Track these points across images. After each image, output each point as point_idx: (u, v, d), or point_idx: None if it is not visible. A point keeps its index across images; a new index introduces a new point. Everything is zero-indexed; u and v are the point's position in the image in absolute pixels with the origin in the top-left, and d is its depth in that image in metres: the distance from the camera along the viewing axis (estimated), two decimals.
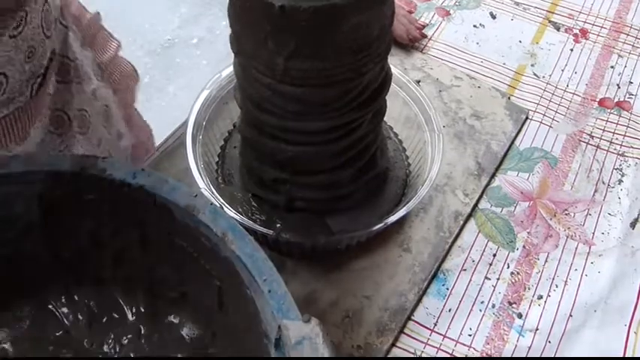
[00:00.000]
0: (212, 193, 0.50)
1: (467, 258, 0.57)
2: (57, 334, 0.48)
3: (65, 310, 0.50)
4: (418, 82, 0.69)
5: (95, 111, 0.61)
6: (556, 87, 0.71)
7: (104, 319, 0.50)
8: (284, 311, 0.35)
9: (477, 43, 0.75)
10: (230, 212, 0.48)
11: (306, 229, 0.51)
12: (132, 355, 0.47)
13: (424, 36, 0.73)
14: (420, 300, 0.54)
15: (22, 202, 0.43)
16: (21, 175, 0.41)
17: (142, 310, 0.50)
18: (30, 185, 0.42)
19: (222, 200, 0.50)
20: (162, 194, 0.40)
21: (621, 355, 0.51)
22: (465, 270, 0.56)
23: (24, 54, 0.47)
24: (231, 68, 0.57)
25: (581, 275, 0.56)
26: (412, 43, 0.72)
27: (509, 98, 0.69)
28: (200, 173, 0.51)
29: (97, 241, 0.46)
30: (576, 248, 0.58)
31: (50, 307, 0.49)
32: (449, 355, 0.51)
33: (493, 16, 0.78)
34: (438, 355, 0.51)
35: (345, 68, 0.39)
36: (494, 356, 0.51)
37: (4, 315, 0.48)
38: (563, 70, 0.73)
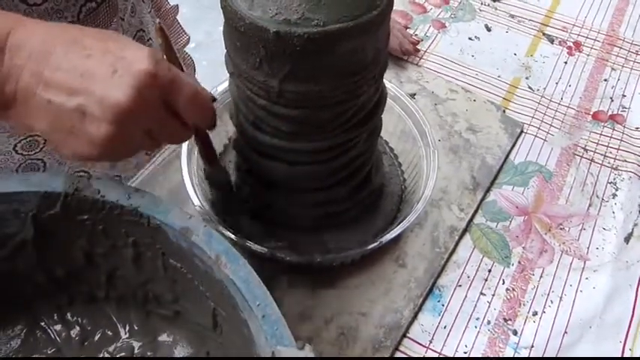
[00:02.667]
0: (206, 210, 0.49)
1: (462, 274, 0.57)
2: (49, 351, 0.48)
3: (58, 327, 0.49)
4: (413, 95, 0.69)
5: None
6: (550, 100, 0.71)
7: (97, 337, 0.50)
8: (278, 337, 0.35)
9: (473, 56, 0.75)
10: (224, 230, 0.47)
11: (302, 246, 0.51)
12: None
13: (417, 51, 0.73)
14: (415, 316, 0.54)
15: (16, 221, 0.42)
16: (14, 195, 0.41)
17: (136, 327, 0.50)
18: (23, 205, 0.41)
19: (216, 218, 0.49)
20: (156, 216, 0.40)
21: None
22: (460, 286, 0.56)
23: None
24: (227, 83, 0.57)
25: (576, 291, 0.56)
26: (405, 56, 0.72)
27: (504, 111, 0.69)
28: (195, 189, 0.51)
29: (90, 260, 0.46)
30: (571, 263, 0.58)
31: (43, 324, 0.49)
32: None
33: (488, 29, 0.79)
34: None
35: (340, 91, 0.39)
36: (494, 357, 0.51)
37: None
38: (557, 83, 0.73)
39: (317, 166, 0.45)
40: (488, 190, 0.62)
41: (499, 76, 0.73)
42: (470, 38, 0.77)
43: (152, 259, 0.44)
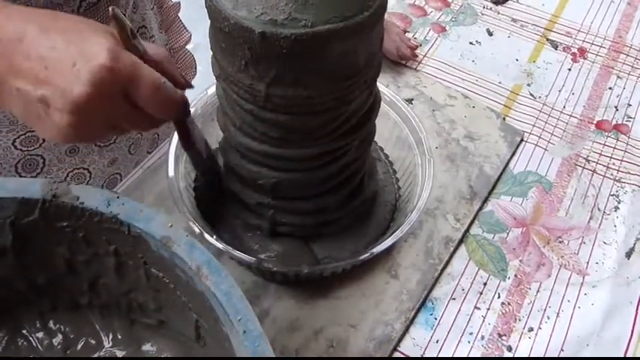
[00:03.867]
0: (191, 216, 0.48)
1: (456, 286, 0.55)
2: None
3: (40, 335, 0.48)
4: (411, 100, 0.68)
5: None
6: (552, 108, 0.70)
7: (80, 345, 0.48)
8: (259, 353, 0.33)
9: (473, 61, 0.73)
10: (210, 238, 0.46)
11: (290, 255, 0.49)
12: None
13: (415, 56, 0.71)
14: (407, 330, 0.52)
15: None
16: None
17: (119, 336, 0.48)
18: (1, 211, 0.40)
19: (201, 224, 0.48)
20: (136, 224, 0.38)
21: None
22: (454, 299, 0.54)
23: None
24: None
25: (574, 307, 0.54)
26: (401, 61, 0.71)
27: (504, 119, 0.68)
28: (181, 194, 0.50)
29: (72, 268, 0.45)
30: (569, 278, 0.56)
31: (24, 332, 0.48)
32: None
33: (490, 33, 0.77)
34: None
35: (330, 96, 0.37)
36: (495, 356, 0.49)
37: None
38: (560, 91, 0.71)
39: (306, 174, 0.43)
40: (485, 200, 0.61)
41: (500, 83, 0.71)
42: (471, 43, 0.75)
43: (134, 267, 0.42)
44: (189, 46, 0.75)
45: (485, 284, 0.55)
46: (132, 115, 0.34)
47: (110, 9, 0.32)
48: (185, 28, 0.72)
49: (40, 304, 0.48)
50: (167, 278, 0.40)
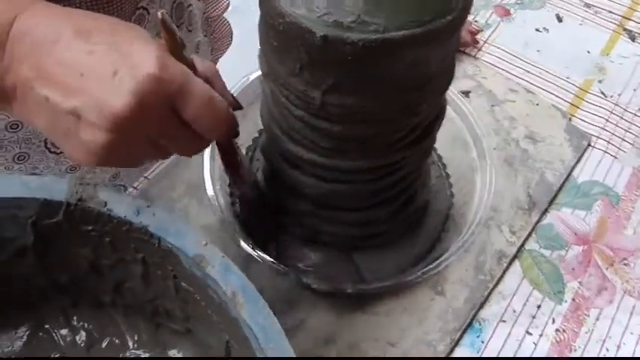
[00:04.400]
0: (225, 215, 0.44)
1: (507, 307, 0.50)
2: (52, 355, 0.45)
3: (63, 331, 0.46)
4: (468, 93, 0.62)
5: None
6: (625, 109, 0.63)
7: (104, 344, 0.46)
8: None
9: (538, 51, 0.66)
10: (244, 245, 0.42)
11: (330, 266, 0.45)
12: None
13: (476, 42, 0.65)
14: (450, 352, 0.48)
15: (15, 227, 0.38)
16: (12, 200, 0.36)
17: (145, 338, 0.46)
18: (21, 210, 0.37)
19: (236, 227, 0.44)
20: (167, 238, 0.34)
21: None
22: (504, 321, 0.49)
23: None
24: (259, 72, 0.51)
25: (638, 340, 0.49)
26: (461, 47, 0.64)
27: (570, 119, 0.61)
28: (214, 188, 0.45)
29: (95, 269, 0.42)
30: (634, 307, 0.51)
31: (47, 327, 0.46)
32: None
33: (559, 19, 0.69)
34: None
35: (393, 107, 0.32)
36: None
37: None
38: (635, 90, 0.64)
39: (357, 186, 0.39)
40: (544, 212, 0.55)
41: (567, 77, 0.65)
42: (537, 29, 0.68)
43: (162, 277, 0.39)
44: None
45: (539, 307, 0.50)
46: (177, 133, 0.29)
47: (159, 14, 0.28)
48: None
49: (62, 300, 0.45)
50: (198, 295, 0.37)
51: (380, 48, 0.27)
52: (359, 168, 0.36)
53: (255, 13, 0.32)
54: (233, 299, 0.32)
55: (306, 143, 0.36)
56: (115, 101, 0.26)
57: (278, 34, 0.29)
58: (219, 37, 0.69)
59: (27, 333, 0.45)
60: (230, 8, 0.71)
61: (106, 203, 0.35)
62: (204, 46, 0.62)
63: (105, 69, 0.27)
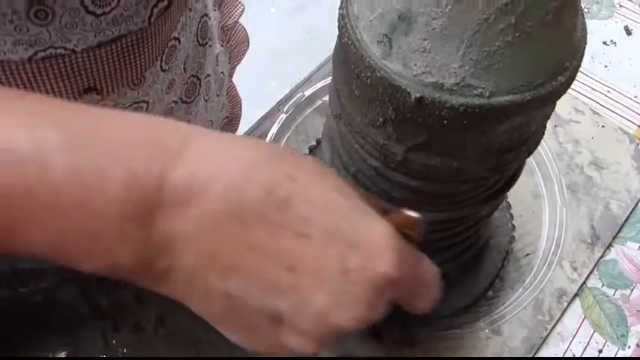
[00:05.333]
0: None
1: (567, 350, 0.47)
2: None
3: (102, 355, 0.44)
4: None
5: (215, 78, 0.55)
6: None
7: None
8: None
9: (606, 66, 0.62)
10: None
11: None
12: None
13: None
14: None
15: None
16: None
17: None
18: None
19: None
20: None
21: None
22: None
23: None
24: (316, 87, 0.48)
25: None
26: None
27: (638, 145, 0.57)
28: None
29: (140, 299, 0.40)
30: None
31: (87, 349, 0.44)
32: None
33: (628, 32, 0.64)
34: None
35: (482, 167, 0.29)
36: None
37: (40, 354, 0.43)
38: None
39: (426, 235, 0.36)
40: (608, 247, 0.52)
41: (636, 97, 0.60)
42: (604, 42, 0.63)
43: None
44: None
45: (600, 351, 0.48)
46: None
47: (414, 215, 0.22)
48: None
49: (102, 324, 0.44)
50: None
51: (483, 114, 0.24)
52: (432, 220, 0.33)
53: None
54: None
55: (375, 191, 0.33)
56: (344, 313, 0.20)
57: (363, 85, 0.26)
58: (235, 45, 0.64)
59: (64, 354, 0.44)
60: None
61: None
62: (222, 56, 0.58)
63: (328, 263, 0.20)
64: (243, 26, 0.65)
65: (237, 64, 0.67)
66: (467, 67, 0.23)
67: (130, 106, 0.41)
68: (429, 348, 0.46)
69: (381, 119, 0.27)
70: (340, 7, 0.27)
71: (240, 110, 0.70)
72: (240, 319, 0.22)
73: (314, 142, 0.52)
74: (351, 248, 0.20)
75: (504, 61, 0.23)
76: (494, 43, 0.22)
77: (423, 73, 0.24)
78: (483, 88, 0.23)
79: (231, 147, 0.21)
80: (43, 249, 0.21)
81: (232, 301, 0.21)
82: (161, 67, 0.42)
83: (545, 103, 0.25)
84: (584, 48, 0.26)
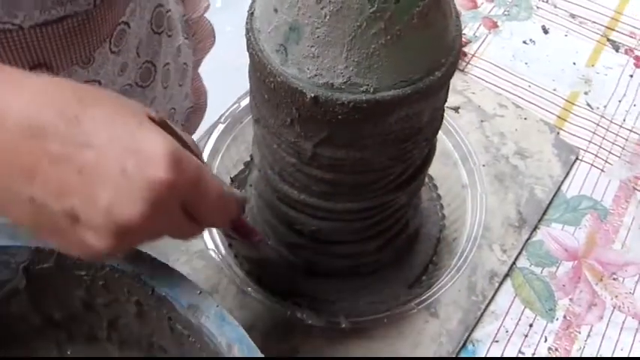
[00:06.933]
0: (217, 245, 0.44)
1: (500, 327, 0.51)
2: None
3: None
4: (457, 109, 0.62)
5: (176, 67, 0.57)
6: (611, 121, 0.63)
7: None
8: None
9: (526, 63, 0.67)
10: (238, 280, 0.42)
11: (326, 297, 0.45)
12: None
13: (464, 55, 0.65)
14: None
15: (7, 270, 0.38)
16: (4, 248, 0.36)
17: None
18: (14, 257, 0.37)
19: (229, 261, 0.44)
20: (161, 287, 0.34)
21: None
22: (497, 341, 0.50)
23: None
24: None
25: (629, 355, 0.50)
26: None
27: (558, 133, 0.62)
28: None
29: (90, 308, 0.42)
30: (623, 322, 0.52)
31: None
32: None
33: (545, 31, 0.70)
34: None
35: (384, 157, 0.32)
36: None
37: None
38: (620, 101, 0.65)
39: (349, 223, 0.39)
40: (535, 229, 0.56)
41: (554, 90, 0.65)
42: (524, 42, 0.68)
43: (158, 319, 0.39)
44: (217, 5, 0.67)
45: (531, 326, 0.51)
46: (183, 228, 0.28)
47: (154, 114, 0.26)
48: None
49: (56, 335, 0.45)
50: (194, 338, 0.37)
51: (371, 108, 0.27)
52: (351, 209, 0.37)
53: (247, 6, 0.29)
54: (229, 351, 0.33)
55: (298, 185, 0.36)
56: (125, 208, 0.24)
57: (270, 90, 0.29)
58: (201, 39, 0.67)
59: None
60: (219, 4, 0.68)
61: None
62: (185, 48, 0.61)
63: (109, 166, 0.24)
64: (209, 21, 0.67)
65: (203, 57, 0.69)
66: (351, 68, 0.26)
67: None
68: (369, 334, 0.49)
69: (289, 119, 0.30)
70: (246, 23, 0.30)
71: (206, 100, 0.72)
72: (47, 223, 0.25)
73: None
74: (130, 153, 0.24)
75: (382, 61, 0.26)
76: (370, 46, 0.26)
77: (315, 75, 0.27)
78: (368, 85, 0.27)
79: (38, 79, 0.25)
80: None
81: (36, 205, 0.25)
82: (110, 49, 0.44)
83: (427, 95, 0.28)
84: (460, 45, 0.30)
